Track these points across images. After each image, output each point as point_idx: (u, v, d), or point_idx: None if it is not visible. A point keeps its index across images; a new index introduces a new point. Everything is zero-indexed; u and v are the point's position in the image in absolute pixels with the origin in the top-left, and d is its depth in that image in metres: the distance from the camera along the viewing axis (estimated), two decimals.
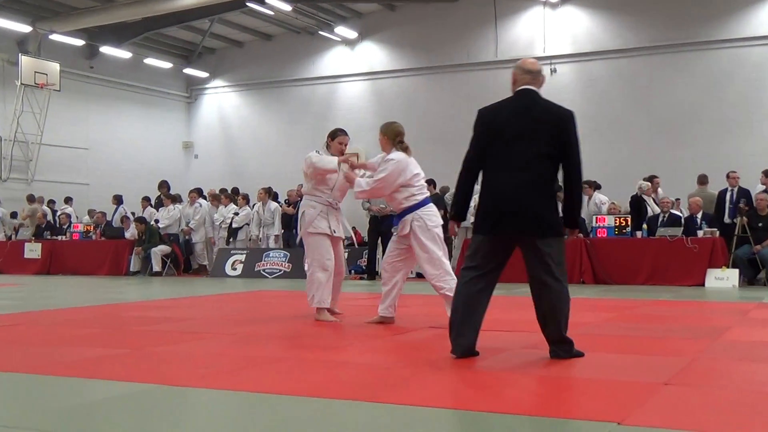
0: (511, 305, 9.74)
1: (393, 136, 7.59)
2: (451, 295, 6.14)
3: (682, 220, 14.43)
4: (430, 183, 17.01)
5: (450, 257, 17.08)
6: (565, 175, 5.02)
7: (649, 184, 15.80)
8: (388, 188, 7.32)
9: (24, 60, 23.17)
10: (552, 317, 5.04)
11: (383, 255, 15.79)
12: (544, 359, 4.99)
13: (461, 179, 5.20)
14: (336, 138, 7.95)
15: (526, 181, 4.94)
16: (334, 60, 26.70)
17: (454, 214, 5.33)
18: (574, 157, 5.02)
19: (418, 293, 11.50)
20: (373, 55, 26.09)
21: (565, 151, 4.99)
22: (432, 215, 7.34)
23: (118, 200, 21.23)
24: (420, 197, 7.39)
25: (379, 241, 16.00)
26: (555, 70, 22.32)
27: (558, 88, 20.73)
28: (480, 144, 5.12)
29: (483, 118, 5.18)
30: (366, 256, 16.60)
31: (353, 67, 26.30)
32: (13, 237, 20.54)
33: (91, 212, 21.91)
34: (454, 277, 7.01)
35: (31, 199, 21.71)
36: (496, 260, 5.11)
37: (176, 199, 19.68)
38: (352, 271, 16.70)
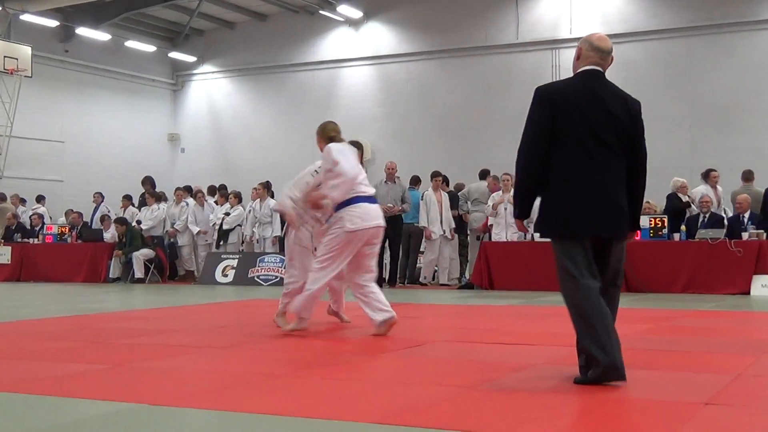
0: (534, 316, 9.72)
1: (325, 135, 7.92)
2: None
3: (725, 221, 14.37)
4: (443, 180, 16.97)
5: (466, 262, 17.11)
6: (629, 171, 4.93)
7: (684, 180, 15.74)
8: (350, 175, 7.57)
9: None
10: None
11: (391, 260, 15.90)
12: (571, 376, 4.97)
13: (525, 171, 4.94)
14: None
15: (612, 176, 4.85)
16: (336, 42, 26.69)
17: (519, 212, 5.05)
18: (642, 152, 4.99)
19: (405, 302, 11.48)
20: (379, 36, 26.08)
21: (633, 145, 4.94)
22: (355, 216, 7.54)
23: (100, 198, 21.22)
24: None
25: (387, 244, 15.98)
26: None
27: None
28: (546, 130, 4.88)
29: (548, 99, 4.91)
30: None
31: (358, 51, 26.30)
32: None
33: (67, 212, 21.92)
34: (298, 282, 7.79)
35: (2, 197, 21.72)
36: (592, 265, 4.88)
37: (161, 198, 19.70)
38: None
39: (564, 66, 22.16)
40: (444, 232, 16.19)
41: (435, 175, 16.53)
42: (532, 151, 4.91)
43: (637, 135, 4.98)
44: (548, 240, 5.02)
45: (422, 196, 16.29)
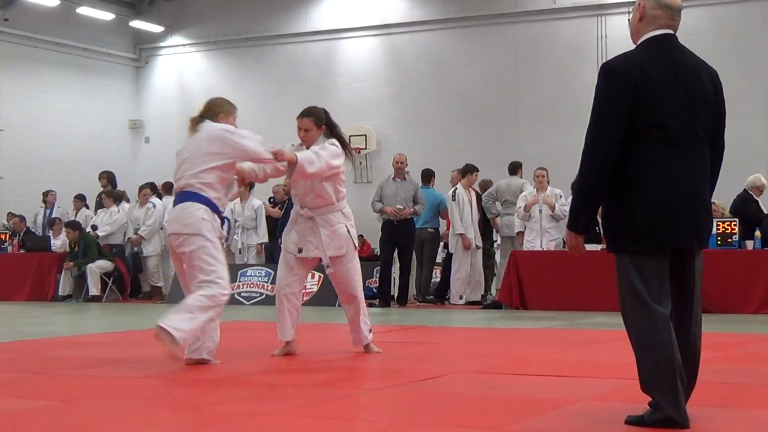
0: (575, 341, 9.72)
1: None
2: None
3: None
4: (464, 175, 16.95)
5: (493, 277, 17.09)
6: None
7: (761, 177, 15.68)
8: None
9: None
10: (696, 359, 4.95)
11: (401, 273, 15.88)
12: (621, 415, 4.96)
13: (596, 168, 4.73)
14: None
15: (699, 172, 4.75)
16: (333, 8, 26.72)
17: (583, 223, 4.85)
18: (723, 140, 4.92)
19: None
20: (386, 2, 26.11)
21: (716, 130, 4.86)
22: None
23: (52, 197, 21.22)
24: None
25: (396, 254, 15.98)
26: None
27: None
28: (625, 116, 4.68)
29: (627, 77, 4.69)
30: (377, 275, 16.58)
31: (360, 19, 26.31)
32: None
33: (9, 216, 21.94)
34: None
35: None
36: (667, 286, 4.75)
37: (121, 198, 19.70)
38: None
39: (612, 36, 22.12)
40: (474, 239, 16.12)
41: (470, 169, 16.42)
42: (607, 142, 4.69)
43: (721, 117, 4.88)
44: (596, 248, 4.95)
45: (453, 195, 16.18)
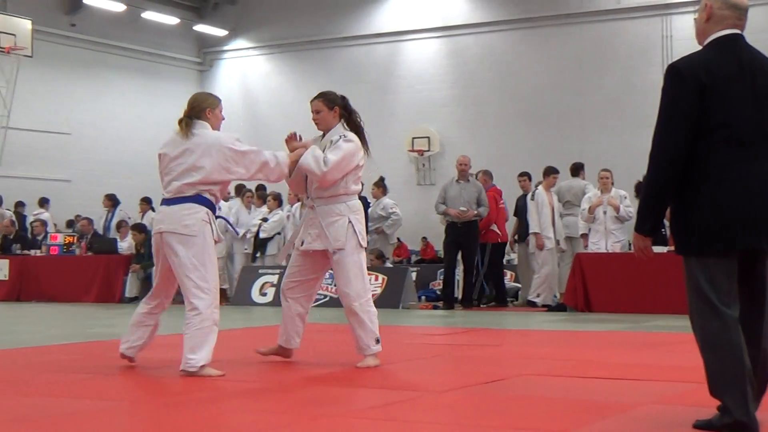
0: (641, 344, 9.63)
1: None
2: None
3: None
4: (524, 175, 16.84)
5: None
6: None
7: None
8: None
9: None
10: (767, 363, 4.86)
11: (465, 275, 15.84)
12: (688, 420, 4.91)
13: (663, 169, 4.70)
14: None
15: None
16: (396, 11, 26.75)
17: (650, 225, 4.80)
18: None
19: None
20: (449, 3, 26.07)
21: None
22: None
23: (112, 202, 21.48)
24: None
25: (460, 256, 15.93)
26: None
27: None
28: (692, 118, 4.65)
29: (694, 79, 4.66)
30: (441, 278, 16.55)
31: (422, 21, 26.32)
32: None
33: (76, 219, 22.20)
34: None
35: None
36: (735, 289, 4.68)
37: None
38: (423, 298, 16.67)
39: (678, 36, 21.94)
40: (558, 243, 15.98)
41: (549, 171, 16.31)
42: (675, 144, 4.66)
43: None
44: (662, 250, 4.89)
45: (533, 195, 16.10)
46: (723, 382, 4.59)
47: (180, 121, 7.38)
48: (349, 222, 7.55)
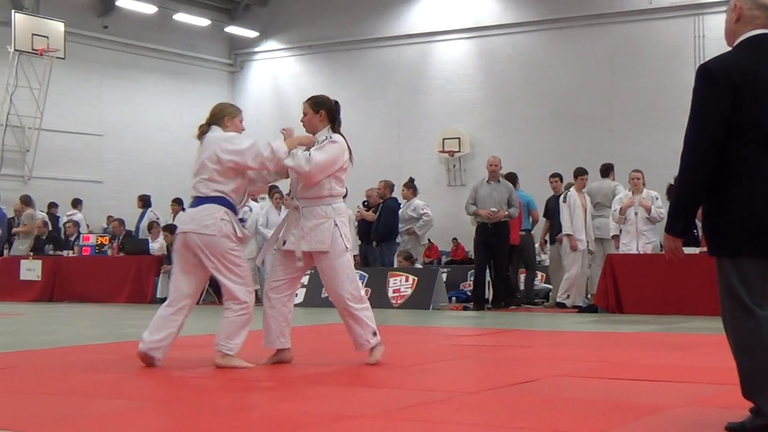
0: (673, 346, 9.59)
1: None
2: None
3: None
4: (556, 176, 16.78)
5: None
6: None
7: None
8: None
9: (18, 19, 23.83)
10: None
11: (495, 276, 15.82)
12: (720, 422, 4.89)
13: (695, 170, 4.68)
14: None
15: None
16: (427, 12, 26.74)
17: (681, 226, 4.79)
18: None
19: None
20: (479, 3, 26.04)
21: None
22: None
23: (144, 202, 21.59)
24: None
25: (490, 257, 15.91)
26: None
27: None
28: (723, 118, 4.63)
29: (725, 79, 4.64)
30: (472, 278, 16.53)
31: (453, 21, 26.30)
32: (6, 252, 21.07)
33: (108, 219, 22.32)
34: None
35: (26, 201, 22.11)
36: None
37: None
38: (453, 299, 16.66)
39: (710, 36, 21.82)
40: (588, 244, 15.91)
41: (580, 172, 16.20)
42: (706, 144, 4.64)
43: None
44: (694, 251, 4.88)
45: (564, 198, 16.03)
46: (756, 384, 4.57)
47: (199, 127, 7.77)
48: (335, 225, 7.61)
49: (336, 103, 8.01)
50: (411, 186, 17.90)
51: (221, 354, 7.39)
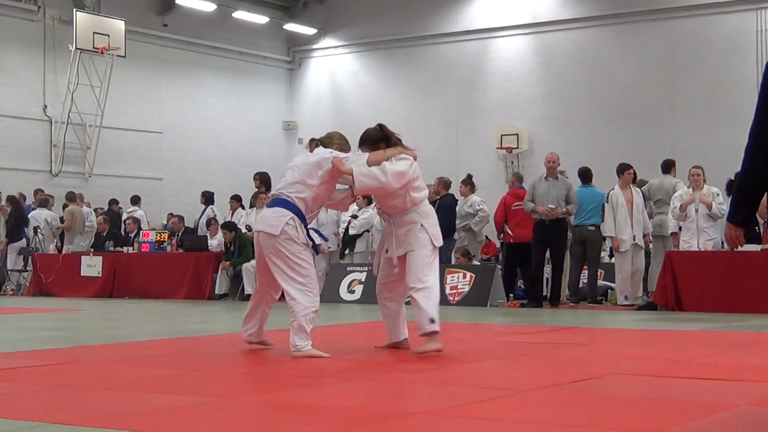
0: (734, 344, 9.50)
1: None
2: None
3: None
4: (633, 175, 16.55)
5: (647, 277, 16.77)
6: None
7: None
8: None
9: (79, 17, 24.12)
10: None
11: (553, 273, 15.73)
12: None
13: (753, 162, 4.76)
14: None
15: None
16: (485, 8, 26.68)
17: (743, 216, 4.87)
18: None
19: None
20: (538, 0, 25.93)
21: None
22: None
23: (207, 199, 21.74)
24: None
25: (548, 253, 15.84)
26: None
27: None
28: None
29: None
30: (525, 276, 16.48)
31: (512, 17, 26.22)
32: (68, 249, 21.31)
33: (168, 216, 22.52)
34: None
35: (69, 197, 22.24)
36: None
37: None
38: (511, 296, 16.60)
39: None
40: (635, 239, 15.74)
41: (624, 168, 16.06)
42: (766, 136, 4.72)
43: None
44: (756, 248, 4.91)
45: (607, 197, 15.89)
46: None
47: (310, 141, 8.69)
48: (421, 226, 8.15)
49: (380, 125, 8.60)
50: (469, 182, 17.88)
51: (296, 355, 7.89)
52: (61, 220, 22.05)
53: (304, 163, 8.17)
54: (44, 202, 22.31)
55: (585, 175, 16.89)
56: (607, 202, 15.84)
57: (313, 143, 8.47)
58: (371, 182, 7.97)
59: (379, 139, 8.39)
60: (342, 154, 8.14)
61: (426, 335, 7.97)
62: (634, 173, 16.39)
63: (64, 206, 22.16)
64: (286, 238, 7.87)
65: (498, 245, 18.78)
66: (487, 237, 20.48)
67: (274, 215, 7.99)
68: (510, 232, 16.54)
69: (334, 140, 8.45)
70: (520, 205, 16.27)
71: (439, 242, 8.28)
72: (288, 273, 7.93)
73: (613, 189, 15.93)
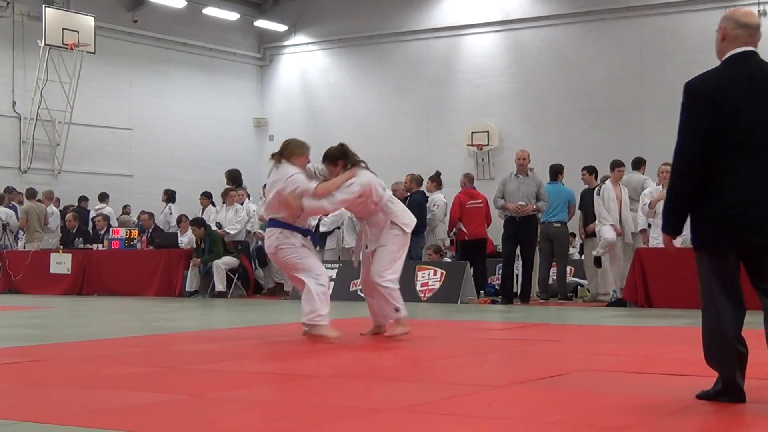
0: (700, 340, 9.53)
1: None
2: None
3: None
4: (592, 172, 16.62)
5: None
6: None
7: None
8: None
9: (49, 13, 23.97)
10: None
11: (523, 270, 15.77)
12: (755, 416, 4.86)
13: (683, 177, 5.25)
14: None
15: None
16: (456, 5, 26.70)
17: (672, 226, 5.38)
18: None
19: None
20: None
21: None
22: None
23: (169, 197, 21.69)
24: None
25: (518, 251, 15.87)
26: (765, 13, 21.82)
27: None
28: (704, 130, 5.17)
29: (704, 96, 5.20)
30: (500, 272, 16.50)
31: (482, 14, 26.25)
32: (32, 246, 21.17)
33: (139, 214, 22.42)
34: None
35: (30, 194, 21.96)
36: (739, 284, 5.29)
37: (244, 196, 19.89)
38: (482, 293, 16.63)
39: None
40: (623, 236, 15.73)
41: (616, 164, 16.04)
42: (690, 156, 5.20)
43: None
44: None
45: (598, 191, 15.85)
46: (711, 354, 5.49)
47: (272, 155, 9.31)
48: (392, 222, 9.14)
49: (341, 144, 9.31)
50: (435, 179, 17.87)
51: (309, 326, 9.07)
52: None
53: (275, 185, 8.99)
54: (1, 198, 22.11)
55: (554, 171, 16.95)
56: (599, 194, 15.80)
57: (275, 158, 9.18)
58: (320, 211, 10.11)
59: (338, 157, 9.12)
60: (297, 179, 8.86)
61: (394, 322, 9.08)
62: (594, 169, 16.52)
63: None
64: (280, 249, 9.03)
65: (447, 243, 18.73)
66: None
67: (267, 236, 9.24)
68: (464, 229, 16.57)
69: (291, 151, 9.13)
70: (474, 204, 16.41)
71: (409, 227, 9.25)
72: (294, 272, 9.14)
73: (604, 183, 15.96)
